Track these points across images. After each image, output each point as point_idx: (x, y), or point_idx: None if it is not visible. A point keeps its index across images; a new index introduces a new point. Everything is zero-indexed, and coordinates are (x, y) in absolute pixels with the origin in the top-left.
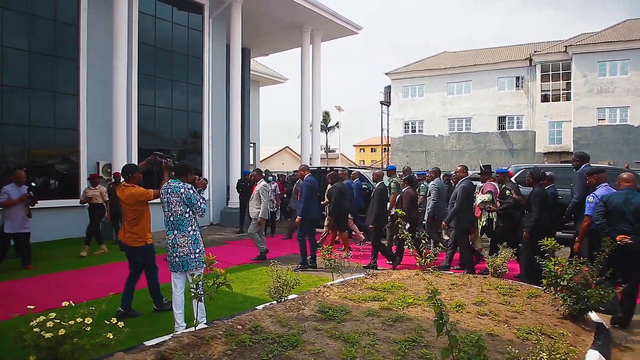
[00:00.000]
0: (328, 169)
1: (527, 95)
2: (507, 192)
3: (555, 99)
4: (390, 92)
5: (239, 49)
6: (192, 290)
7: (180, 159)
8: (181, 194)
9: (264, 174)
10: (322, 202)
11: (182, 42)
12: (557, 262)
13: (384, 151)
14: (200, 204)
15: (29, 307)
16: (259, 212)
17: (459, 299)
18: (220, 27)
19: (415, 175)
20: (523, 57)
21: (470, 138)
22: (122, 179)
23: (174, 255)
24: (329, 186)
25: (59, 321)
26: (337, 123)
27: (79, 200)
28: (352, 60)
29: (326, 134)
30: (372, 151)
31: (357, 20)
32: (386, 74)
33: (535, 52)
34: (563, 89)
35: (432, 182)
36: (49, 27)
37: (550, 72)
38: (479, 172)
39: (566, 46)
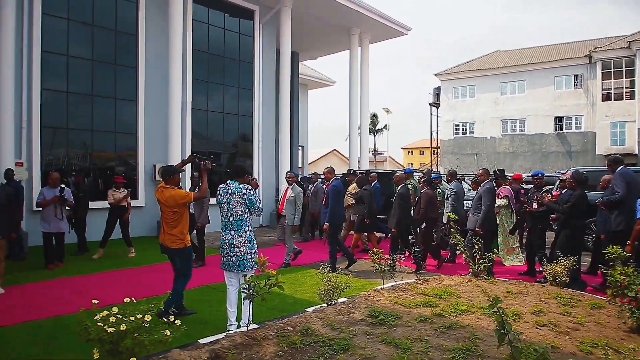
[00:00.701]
0: (364, 172)
1: (586, 94)
2: (550, 195)
3: (618, 97)
4: (439, 93)
5: (289, 53)
6: (244, 290)
7: (231, 162)
8: (243, 194)
9: (313, 177)
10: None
11: (233, 48)
12: (623, 272)
13: (433, 154)
14: (259, 204)
15: (93, 301)
16: (294, 218)
17: (516, 308)
18: (270, 32)
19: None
20: (582, 54)
21: (524, 140)
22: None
23: (231, 255)
24: (353, 189)
25: (120, 316)
26: (386, 125)
27: (109, 202)
28: (399, 61)
29: (374, 136)
30: (420, 154)
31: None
32: (435, 74)
33: (595, 48)
34: (626, 87)
35: (450, 186)
36: (110, 37)
37: (612, 70)
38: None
39: (629, 42)
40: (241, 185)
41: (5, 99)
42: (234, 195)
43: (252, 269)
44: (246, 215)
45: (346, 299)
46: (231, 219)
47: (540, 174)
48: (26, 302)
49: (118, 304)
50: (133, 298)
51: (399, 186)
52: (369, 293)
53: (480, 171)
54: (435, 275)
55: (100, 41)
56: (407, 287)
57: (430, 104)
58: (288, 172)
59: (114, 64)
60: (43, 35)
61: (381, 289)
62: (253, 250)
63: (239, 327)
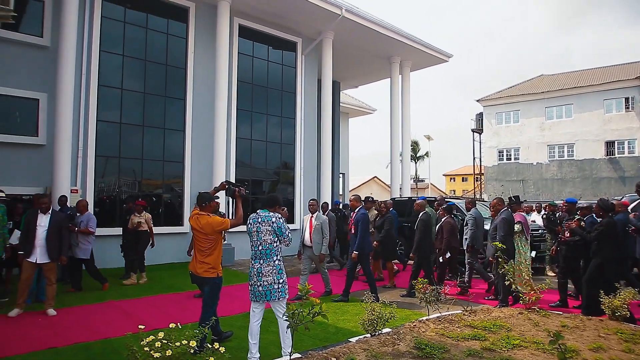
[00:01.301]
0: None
1: (639, 117)
2: (582, 223)
3: None
4: (482, 119)
5: (330, 82)
6: (287, 319)
7: (273, 190)
8: (272, 222)
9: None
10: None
11: (276, 79)
12: None
13: (476, 180)
14: (288, 233)
15: (140, 326)
16: (322, 247)
17: (573, 344)
18: (312, 63)
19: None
20: (632, 76)
21: (573, 165)
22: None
23: (258, 284)
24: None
25: (166, 342)
26: (427, 152)
27: (129, 226)
28: (438, 86)
29: (415, 163)
30: (463, 181)
31: (445, 48)
32: (477, 100)
33: None
34: None
35: (469, 212)
36: (161, 70)
37: None
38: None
39: None
40: (271, 213)
41: (65, 130)
42: (263, 224)
43: (279, 298)
44: (275, 245)
45: (390, 330)
46: (260, 247)
47: (571, 201)
48: (77, 324)
49: (163, 329)
50: (179, 323)
51: (420, 213)
52: (414, 324)
53: (495, 200)
54: (483, 306)
55: (152, 75)
56: (453, 319)
57: (473, 130)
58: (310, 199)
59: (164, 96)
60: (100, 70)
61: (427, 319)
62: (281, 280)
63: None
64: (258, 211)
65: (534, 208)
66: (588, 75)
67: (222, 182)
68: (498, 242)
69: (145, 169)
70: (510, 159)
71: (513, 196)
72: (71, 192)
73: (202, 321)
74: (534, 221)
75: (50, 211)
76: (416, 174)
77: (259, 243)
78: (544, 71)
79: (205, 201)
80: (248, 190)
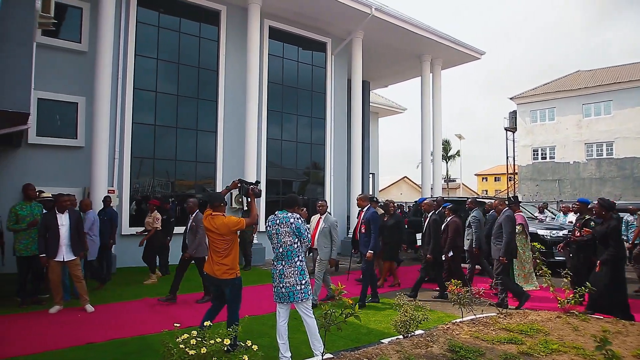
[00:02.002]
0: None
1: None
2: (592, 223)
3: None
4: (515, 117)
5: (360, 82)
6: (319, 319)
7: (302, 190)
8: (291, 224)
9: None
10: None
11: (306, 79)
12: None
13: (510, 180)
14: (308, 234)
15: (175, 324)
16: (331, 251)
17: (616, 349)
18: (341, 63)
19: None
20: None
21: (612, 164)
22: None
23: (281, 285)
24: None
25: (200, 339)
26: (458, 152)
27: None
28: (469, 84)
29: (446, 163)
30: (496, 180)
31: (478, 45)
32: (511, 98)
33: None
34: None
35: (472, 214)
36: (193, 73)
37: None
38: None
39: None
40: (289, 214)
41: (102, 132)
42: (282, 225)
43: (301, 300)
44: (296, 246)
45: (423, 332)
46: (281, 249)
47: (583, 201)
48: (113, 321)
49: (197, 327)
50: (210, 322)
51: (430, 213)
52: (447, 326)
53: (496, 201)
54: (521, 310)
55: (185, 77)
56: (488, 322)
57: (506, 129)
58: (321, 200)
59: (196, 98)
60: (135, 73)
61: (460, 322)
62: (303, 281)
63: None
64: (276, 212)
65: (571, 208)
66: (628, 70)
67: (233, 181)
68: (537, 244)
69: (179, 169)
70: (545, 158)
71: (512, 197)
72: (108, 192)
73: (229, 324)
74: (572, 222)
75: (67, 210)
76: (447, 174)
77: (279, 245)
78: (580, 67)
79: (219, 201)
80: (261, 189)
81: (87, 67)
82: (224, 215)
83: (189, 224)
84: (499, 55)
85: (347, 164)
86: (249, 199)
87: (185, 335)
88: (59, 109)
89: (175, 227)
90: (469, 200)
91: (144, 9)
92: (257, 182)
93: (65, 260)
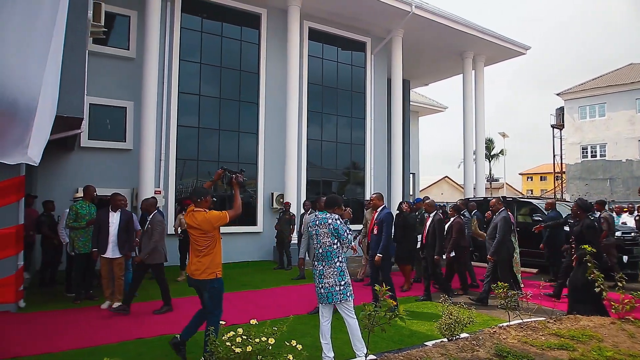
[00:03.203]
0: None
1: None
2: None
3: None
4: (563, 113)
5: (400, 81)
6: (363, 320)
7: (342, 190)
8: (329, 224)
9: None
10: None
11: (346, 79)
12: None
13: (557, 179)
14: (347, 235)
15: (220, 322)
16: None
17: None
18: (381, 62)
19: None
20: None
21: None
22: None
23: (320, 286)
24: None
25: (246, 338)
26: (502, 150)
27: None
28: (512, 80)
29: (489, 162)
30: (541, 180)
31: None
32: (558, 94)
33: None
34: None
35: (500, 214)
36: (235, 76)
37: None
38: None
39: None
40: (328, 215)
41: (149, 135)
42: (321, 226)
43: (341, 301)
44: (335, 247)
45: (469, 335)
46: (320, 250)
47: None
48: (161, 317)
49: (242, 325)
50: (255, 320)
51: (433, 213)
52: (494, 330)
53: (494, 200)
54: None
55: (227, 80)
56: (537, 326)
57: (553, 126)
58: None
59: (238, 101)
60: (180, 78)
61: (507, 326)
62: (343, 282)
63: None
64: (317, 213)
65: (625, 209)
66: None
67: (217, 171)
68: (588, 246)
69: None
70: (595, 156)
71: (507, 197)
72: (155, 193)
73: (207, 334)
74: (625, 223)
75: (120, 209)
76: (490, 173)
77: (319, 245)
78: (633, 60)
79: (201, 196)
80: (246, 178)
81: (135, 73)
82: (205, 210)
83: (145, 226)
84: (544, 50)
85: (387, 164)
86: (233, 189)
87: (231, 333)
88: (109, 114)
89: None
90: (492, 200)
91: (188, 15)
92: (242, 171)
93: (110, 257)
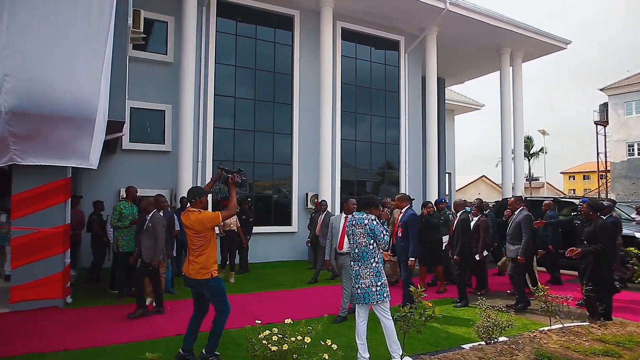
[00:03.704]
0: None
1: None
2: None
3: None
4: (607, 109)
5: (434, 80)
6: (398, 321)
7: (376, 190)
8: (365, 225)
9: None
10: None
11: (379, 79)
12: None
13: (601, 178)
14: (384, 235)
15: (257, 321)
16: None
17: None
18: (415, 61)
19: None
20: None
21: None
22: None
23: (356, 286)
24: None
25: (281, 336)
26: (542, 148)
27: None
28: (552, 76)
29: (528, 161)
30: (584, 179)
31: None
32: (601, 89)
33: None
34: None
35: (518, 212)
36: (269, 78)
37: None
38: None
39: None
40: (364, 215)
41: (186, 137)
42: (357, 226)
43: (377, 302)
44: (371, 247)
45: (507, 339)
46: (357, 250)
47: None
48: None
49: (277, 324)
50: (291, 319)
51: (459, 213)
52: (534, 334)
53: (513, 199)
54: (615, 319)
55: (261, 82)
56: (580, 331)
57: (596, 123)
58: (350, 198)
59: (272, 102)
60: (216, 81)
61: (549, 330)
62: (379, 283)
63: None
64: (354, 213)
65: None
66: None
67: (218, 168)
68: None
69: (256, 171)
70: None
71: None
72: None
73: (212, 332)
74: None
75: (162, 211)
76: (529, 172)
77: (355, 246)
78: None
79: (195, 196)
80: (245, 177)
81: (173, 77)
82: (199, 211)
83: (145, 225)
84: (585, 44)
85: (422, 164)
86: (229, 189)
87: (267, 332)
88: (149, 117)
89: (254, 227)
90: (511, 198)
91: (223, 19)
92: (240, 171)
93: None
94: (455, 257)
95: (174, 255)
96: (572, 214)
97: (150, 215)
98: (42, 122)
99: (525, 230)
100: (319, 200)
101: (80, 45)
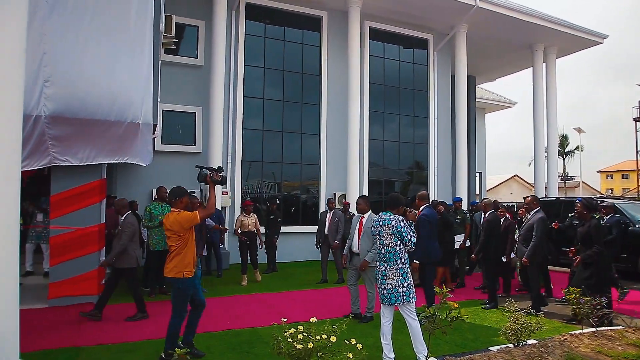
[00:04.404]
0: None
1: None
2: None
3: None
4: None
5: (464, 78)
6: (424, 322)
7: (405, 190)
8: (392, 226)
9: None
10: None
11: (408, 78)
12: None
13: None
14: (411, 237)
15: (282, 319)
16: (369, 254)
17: None
18: (444, 59)
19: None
20: None
21: None
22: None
23: (383, 287)
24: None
25: (307, 335)
26: (578, 147)
27: (236, 227)
28: (587, 73)
29: (563, 159)
30: (623, 177)
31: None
32: (639, 84)
33: None
34: None
35: (534, 214)
36: (297, 79)
37: None
38: None
39: None
40: (392, 216)
41: (216, 139)
42: (384, 227)
43: (403, 302)
44: (398, 248)
45: (536, 342)
46: (383, 251)
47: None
48: (227, 313)
49: (303, 322)
50: (315, 318)
51: (487, 213)
52: (564, 337)
53: (530, 198)
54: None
55: (289, 83)
56: (613, 335)
57: (635, 119)
58: (359, 197)
59: (300, 103)
60: (245, 83)
61: (580, 333)
62: (405, 284)
63: None
64: (380, 213)
65: None
66: None
67: (196, 166)
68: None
69: (285, 171)
70: None
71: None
72: (222, 194)
73: (169, 334)
74: None
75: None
76: (564, 171)
77: (381, 246)
78: None
79: (175, 196)
80: (225, 174)
81: (203, 80)
82: (178, 211)
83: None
84: (623, 38)
85: (451, 163)
86: (208, 187)
87: (292, 330)
88: (180, 119)
89: (282, 227)
90: (528, 197)
91: (252, 21)
92: (220, 168)
93: None
94: (472, 256)
95: (204, 254)
96: (570, 215)
97: (123, 217)
98: (81, 125)
99: (537, 232)
100: (346, 200)
101: (119, 49)
